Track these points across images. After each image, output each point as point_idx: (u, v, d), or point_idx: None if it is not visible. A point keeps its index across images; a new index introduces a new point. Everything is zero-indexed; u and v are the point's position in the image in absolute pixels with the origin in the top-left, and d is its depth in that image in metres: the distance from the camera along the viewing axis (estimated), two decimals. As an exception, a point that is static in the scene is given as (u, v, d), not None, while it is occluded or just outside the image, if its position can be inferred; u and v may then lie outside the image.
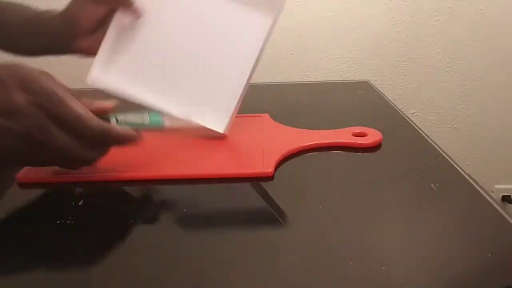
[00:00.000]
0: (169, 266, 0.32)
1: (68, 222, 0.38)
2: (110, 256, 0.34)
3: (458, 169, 0.46)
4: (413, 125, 0.58)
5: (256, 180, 0.44)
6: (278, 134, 0.52)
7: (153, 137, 0.53)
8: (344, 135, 0.52)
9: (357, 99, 0.72)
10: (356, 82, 0.83)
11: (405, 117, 0.61)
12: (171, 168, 0.45)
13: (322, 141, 0.51)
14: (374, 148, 0.51)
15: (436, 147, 0.51)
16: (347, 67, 1.09)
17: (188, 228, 0.37)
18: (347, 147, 0.50)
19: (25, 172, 0.45)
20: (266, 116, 0.58)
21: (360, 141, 0.51)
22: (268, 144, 0.46)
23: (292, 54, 1.06)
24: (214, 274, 0.31)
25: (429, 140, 0.53)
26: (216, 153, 0.48)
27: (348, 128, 0.53)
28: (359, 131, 0.52)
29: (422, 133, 0.56)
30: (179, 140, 0.51)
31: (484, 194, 0.41)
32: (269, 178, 0.44)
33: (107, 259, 0.33)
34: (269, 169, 0.45)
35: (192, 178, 0.44)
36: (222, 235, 0.36)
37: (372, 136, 0.51)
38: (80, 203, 0.41)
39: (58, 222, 0.37)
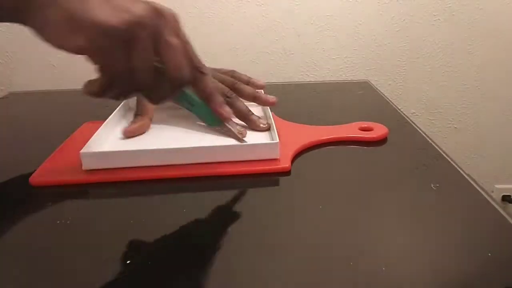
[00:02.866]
0: (179, 263, 0.32)
1: (70, 222, 0.38)
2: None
3: (458, 169, 0.46)
4: (413, 125, 0.58)
5: (274, 176, 0.45)
6: (287, 131, 0.53)
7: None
8: (351, 130, 0.54)
9: (357, 99, 0.72)
10: (356, 82, 0.83)
11: (405, 117, 0.61)
12: (187, 168, 0.45)
13: (332, 136, 0.52)
14: (380, 141, 0.53)
15: (436, 147, 0.51)
16: (347, 66, 1.09)
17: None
18: (354, 141, 0.52)
19: (38, 175, 0.44)
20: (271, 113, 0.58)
21: (367, 135, 0.53)
22: (279, 140, 0.47)
23: (292, 54, 1.06)
24: (215, 271, 0.31)
25: (429, 140, 0.53)
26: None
27: (355, 123, 0.56)
28: (366, 125, 0.55)
29: (422, 133, 0.56)
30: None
31: (484, 194, 0.41)
32: (286, 173, 0.45)
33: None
34: (286, 164, 0.45)
35: (209, 176, 0.44)
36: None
37: (378, 130, 0.54)
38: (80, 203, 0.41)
39: (68, 222, 0.38)
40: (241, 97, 0.55)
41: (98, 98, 0.36)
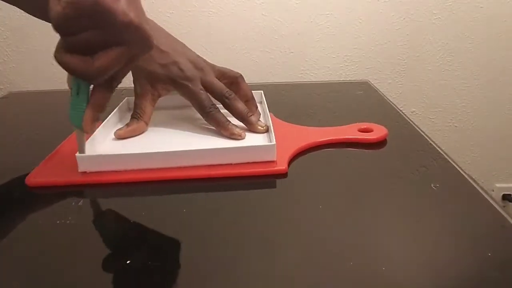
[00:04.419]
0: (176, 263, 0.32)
1: (69, 222, 0.38)
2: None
3: (458, 169, 0.46)
4: (413, 125, 0.58)
5: (270, 178, 0.45)
6: (285, 132, 0.53)
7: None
8: (350, 131, 0.53)
9: (357, 100, 0.72)
10: (356, 82, 0.83)
11: (405, 117, 0.61)
12: (183, 170, 0.45)
13: (331, 138, 0.52)
14: (380, 143, 0.52)
15: (436, 147, 0.51)
16: (346, 65, 1.09)
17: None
18: (354, 142, 0.52)
19: (34, 176, 0.44)
20: (269, 114, 0.58)
21: (367, 136, 0.52)
22: (277, 141, 0.47)
23: (292, 52, 1.06)
24: (214, 272, 0.31)
25: (429, 140, 0.53)
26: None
27: (354, 124, 0.55)
28: (365, 126, 0.54)
29: (422, 133, 0.56)
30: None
31: (484, 194, 0.41)
32: (283, 175, 0.45)
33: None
34: (283, 166, 0.45)
35: (205, 177, 0.44)
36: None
37: (378, 131, 0.53)
38: (80, 203, 0.41)
39: (68, 222, 0.38)
40: (230, 113, 0.53)
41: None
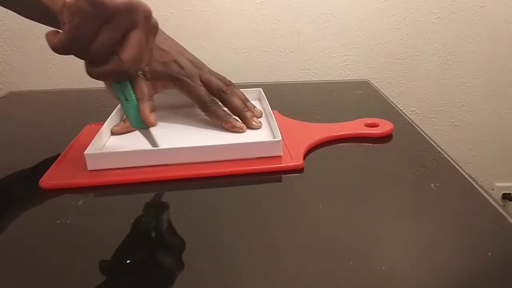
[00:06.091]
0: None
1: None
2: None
3: (458, 168, 0.46)
4: (413, 124, 0.58)
5: (287, 173, 0.45)
6: (294, 129, 0.54)
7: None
8: (358, 126, 0.55)
9: (357, 99, 0.72)
10: (356, 81, 0.83)
11: (405, 117, 0.61)
12: (199, 166, 0.45)
13: (341, 133, 0.53)
14: (385, 138, 0.53)
15: (436, 146, 0.51)
16: (346, 64, 1.09)
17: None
18: (361, 137, 0.53)
19: (48, 178, 0.44)
20: (275, 112, 0.59)
21: (374, 131, 0.53)
22: (288, 138, 0.47)
23: (292, 52, 1.06)
24: (215, 271, 0.31)
25: (429, 139, 0.53)
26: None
27: (361, 119, 0.56)
28: (372, 121, 0.55)
29: (422, 132, 0.56)
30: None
31: (484, 194, 0.41)
32: (299, 170, 0.45)
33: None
34: (299, 162, 0.46)
35: (223, 175, 0.44)
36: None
37: (384, 126, 0.54)
38: (81, 202, 0.41)
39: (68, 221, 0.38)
40: (227, 107, 0.55)
41: (54, 51, 0.37)
